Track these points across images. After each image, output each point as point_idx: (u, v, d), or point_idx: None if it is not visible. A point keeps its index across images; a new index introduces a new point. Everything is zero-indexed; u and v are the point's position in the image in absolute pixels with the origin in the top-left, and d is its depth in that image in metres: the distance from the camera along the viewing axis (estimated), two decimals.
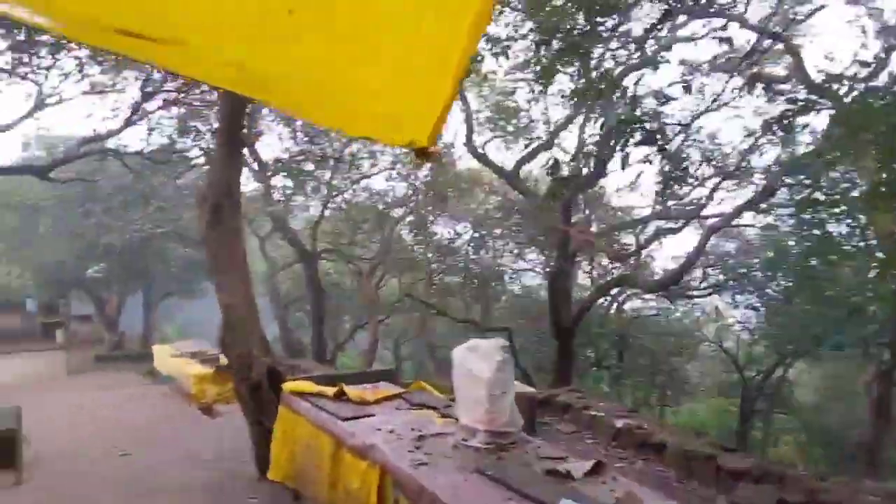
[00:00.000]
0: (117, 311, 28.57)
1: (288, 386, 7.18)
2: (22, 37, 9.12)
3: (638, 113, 6.98)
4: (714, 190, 13.02)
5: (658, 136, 7.07)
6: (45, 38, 9.51)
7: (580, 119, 12.56)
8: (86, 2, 1.46)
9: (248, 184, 22.04)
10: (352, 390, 6.79)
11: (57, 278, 24.26)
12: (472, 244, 19.44)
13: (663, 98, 7.26)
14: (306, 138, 19.06)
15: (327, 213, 20.91)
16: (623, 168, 7.65)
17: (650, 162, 7.86)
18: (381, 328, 19.84)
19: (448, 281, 20.04)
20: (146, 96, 12.66)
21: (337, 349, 22.83)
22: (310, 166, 19.79)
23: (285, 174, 20.30)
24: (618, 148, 8.62)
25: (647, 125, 7.00)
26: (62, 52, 10.27)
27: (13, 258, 23.84)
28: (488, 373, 4.87)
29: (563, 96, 12.72)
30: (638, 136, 7.36)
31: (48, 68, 10.89)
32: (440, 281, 19.24)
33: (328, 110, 2.08)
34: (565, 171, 9.15)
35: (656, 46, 10.29)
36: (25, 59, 9.99)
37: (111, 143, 14.36)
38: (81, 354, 26.38)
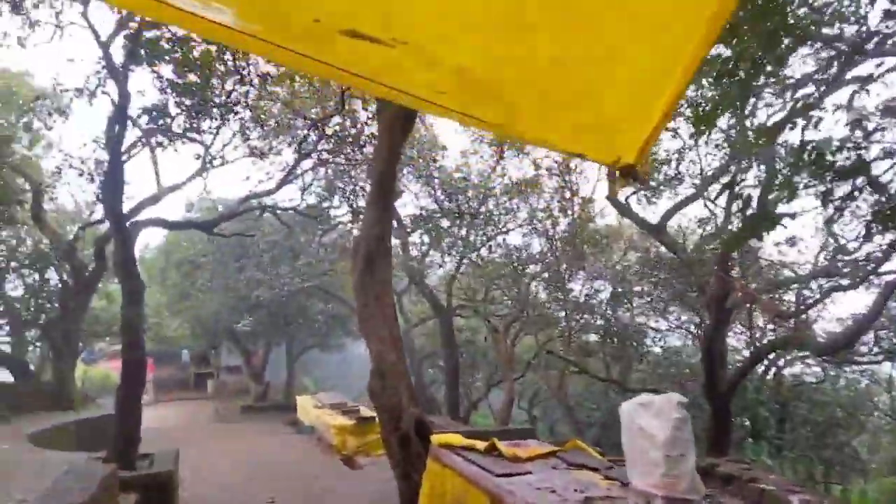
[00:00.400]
0: (263, 363, 30.05)
1: (437, 438, 7.01)
2: (195, 100, 10.07)
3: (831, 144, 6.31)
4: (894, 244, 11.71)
5: (862, 168, 6.36)
6: (216, 99, 10.43)
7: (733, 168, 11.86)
8: (307, 3, 1.43)
9: None
10: (504, 446, 6.52)
11: (210, 330, 25.98)
12: (610, 301, 18.74)
13: (863, 128, 6.54)
14: (443, 196, 19.47)
15: (462, 269, 21.04)
16: (824, 205, 6.97)
17: (854, 197, 7.11)
18: (515, 387, 19.39)
19: (585, 339, 19.35)
20: (301, 157, 13.48)
21: (471, 407, 22.57)
22: (446, 222, 20.16)
23: (422, 230, 20.76)
24: (784, 197, 7.93)
25: (848, 154, 6.33)
26: (230, 115, 11.18)
27: (174, 311, 25.90)
28: (665, 431, 4.44)
29: (716, 146, 12.14)
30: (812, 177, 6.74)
31: (217, 129, 11.91)
32: (577, 339, 18.59)
33: (540, 123, 1.96)
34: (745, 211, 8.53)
35: (817, 93, 9.57)
36: (195, 124, 10.95)
37: (267, 202, 15.38)
38: (229, 404, 27.92)
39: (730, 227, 12.53)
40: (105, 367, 30.68)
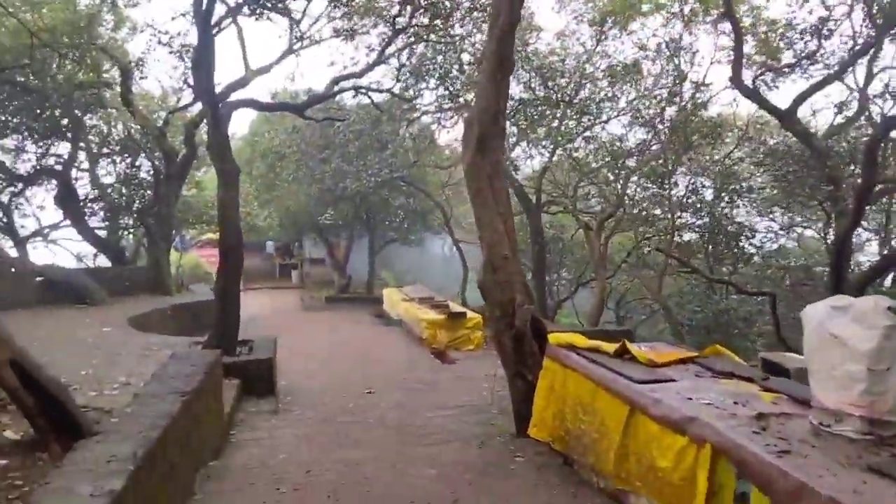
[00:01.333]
0: (345, 255, 30.34)
1: (556, 337, 6.46)
2: None
3: None
4: None
5: None
6: None
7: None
8: None
9: None
10: (636, 349, 5.90)
11: (296, 222, 26.16)
12: (716, 197, 17.36)
13: None
14: (537, 82, 18.18)
15: (554, 161, 19.98)
16: None
17: None
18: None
19: (686, 239, 18.20)
20: (396, 33, 12.55)
21: (557, 306, 22.12)
22: (537, 111, 18.99)
23: (511, 120, 19.65)
24: None
25: None
26: None
27: (261, 201, 26.09)
28: (870, 341, 3.65)
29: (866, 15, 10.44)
30: None
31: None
32: (679, 238, 17.46)
33: None
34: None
35: None
36: None
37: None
38: (314, 294, 28.54)
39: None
40: (196, 255, 31.77)
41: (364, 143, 19.14)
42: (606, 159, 18.64)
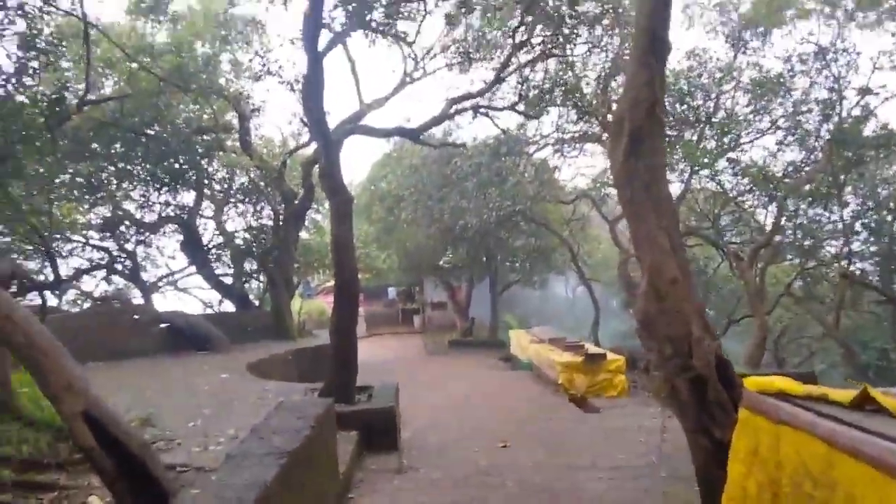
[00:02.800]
0: (467, 298, 29.44)
1: (758, 382, 4.91)
2: None
3: None
4: None
5: None
6: None
7: None
8: None
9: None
10: (882, 395, 4.29)
11: (416, 264, 25.56)
12: None
13: None
14: (669, 100, 16.57)
15: (694, 185, 18.10)
16: None
17: None
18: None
19: (861, 267, 15.67)
20: (517, 47, 11.58)
21: None
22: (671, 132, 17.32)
23: None
24: None
25: None
26: None
27: (381, 244, 25.76)
28: None
29: None
30: None
31: (422, 17, 10.33)
32: (851, 266, 15.01)
33: None
34: None
35: None
36: (396, 11, 9.42)
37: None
38: (436, 338, 27.74)
39: None
40: (321, 301, 31.98)
41: (483, 179, 18.21)
42: (753, 183, 16.55)
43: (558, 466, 7.06)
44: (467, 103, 12.77)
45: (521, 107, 13.48)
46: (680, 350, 5.44)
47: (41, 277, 13.67)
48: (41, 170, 11.84)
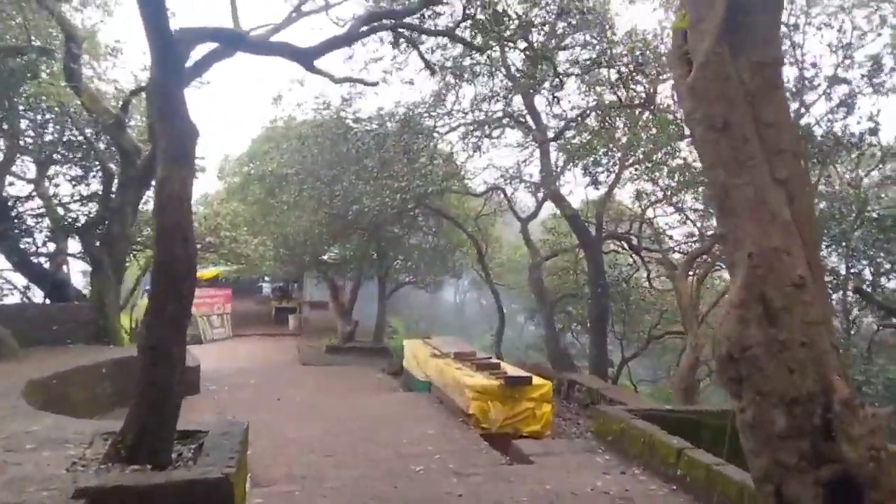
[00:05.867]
0: (352, 299, 26.13)
1: None
2: None
3: None
4: None
5: None
6: None
7: None
8: None
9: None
10: None
11: (296, 255, 22.02)
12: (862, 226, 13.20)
13: None
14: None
15: (623, 185, 16.06)
16: None
17: None
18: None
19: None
20: None
21: (622, 365, 17.87)
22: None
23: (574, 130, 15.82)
24: None
25: None
26: None
27: (255, 228, 21.94)
28: None
29: None
30: None
31: None
32: None
33: None
34: None
35: None
36: None
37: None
38: (314, 343, 24.36)
39: None
40: None
41: (386, 156, 15.16)
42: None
43: None
44: (387, 23, 9.60)
45: (465, 35, 10.36)
46: (806, 420, 2.78)
47: None
48: None
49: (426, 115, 15.13)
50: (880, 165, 13.79)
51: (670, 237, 17.46)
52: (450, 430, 9.87)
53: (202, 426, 5.99)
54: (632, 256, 19.53)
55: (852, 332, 13.27)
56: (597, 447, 8.34)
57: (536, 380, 10.64)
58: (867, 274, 12.75)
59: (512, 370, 11.42)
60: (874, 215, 12.61)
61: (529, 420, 10.24)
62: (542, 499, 6.41)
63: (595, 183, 15.02)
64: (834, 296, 12.99)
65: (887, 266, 12.38)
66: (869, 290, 12.52)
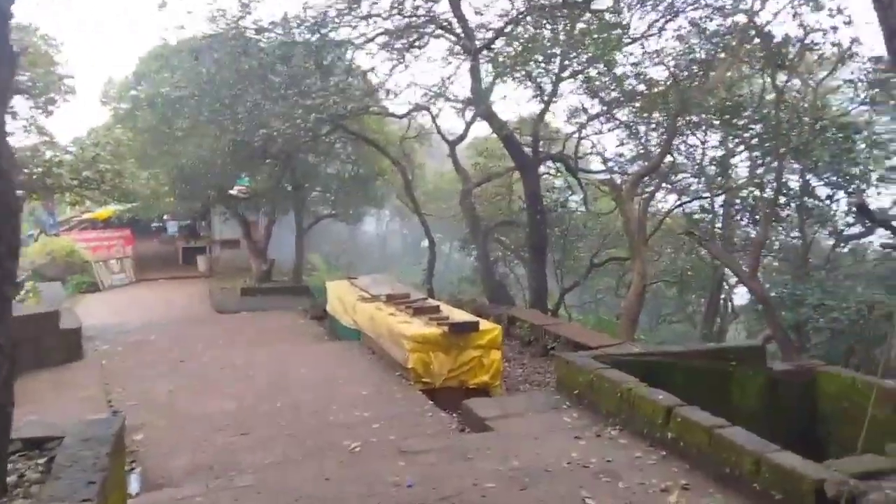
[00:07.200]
0: (266, 235, 24.10)
1: None
2: None
3: None
4: None
5: None
6: None
7: None
8: None
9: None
10: None
11: (199, 189, 19.76)
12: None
13: None
14: None
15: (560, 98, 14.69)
16: None
17: None
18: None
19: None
20: None
21: (563, 296, 16.94)
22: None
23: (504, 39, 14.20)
24: None
25: None
26: None
27: (146, 160, 19.43)
28: None
29: None
30: None
31: None
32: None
33: None
34: None
35: None
36: None
37: None
38: (227, 284, 22.44)
39: None
40: (69, 239, 24.89)
41: (295, 70, 13.12)
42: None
43: None
44: None
45: None
46: None
47: None
48: None
49: (340, 20, 13.11)
50: (840, 65, 12.95)
51: (612, 158, 16.40)
52: (387, 389, 8.55)
53: (55, 430, 4.37)
54: (567, 179, 18.41)
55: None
56: (561, 403, 7.21)
57: (484, 324, 9.38)
58: (822, 191, 12.08)
59: (456, 314, 10.11)
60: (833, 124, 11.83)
61: (476, 370, 9.02)
62: (512, 481, 5.21)
63: (540, 94, 13.58)
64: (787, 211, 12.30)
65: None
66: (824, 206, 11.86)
